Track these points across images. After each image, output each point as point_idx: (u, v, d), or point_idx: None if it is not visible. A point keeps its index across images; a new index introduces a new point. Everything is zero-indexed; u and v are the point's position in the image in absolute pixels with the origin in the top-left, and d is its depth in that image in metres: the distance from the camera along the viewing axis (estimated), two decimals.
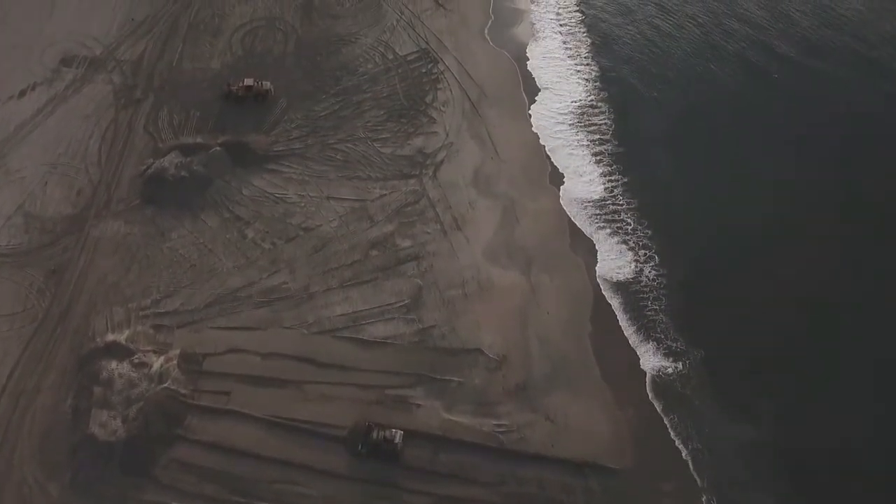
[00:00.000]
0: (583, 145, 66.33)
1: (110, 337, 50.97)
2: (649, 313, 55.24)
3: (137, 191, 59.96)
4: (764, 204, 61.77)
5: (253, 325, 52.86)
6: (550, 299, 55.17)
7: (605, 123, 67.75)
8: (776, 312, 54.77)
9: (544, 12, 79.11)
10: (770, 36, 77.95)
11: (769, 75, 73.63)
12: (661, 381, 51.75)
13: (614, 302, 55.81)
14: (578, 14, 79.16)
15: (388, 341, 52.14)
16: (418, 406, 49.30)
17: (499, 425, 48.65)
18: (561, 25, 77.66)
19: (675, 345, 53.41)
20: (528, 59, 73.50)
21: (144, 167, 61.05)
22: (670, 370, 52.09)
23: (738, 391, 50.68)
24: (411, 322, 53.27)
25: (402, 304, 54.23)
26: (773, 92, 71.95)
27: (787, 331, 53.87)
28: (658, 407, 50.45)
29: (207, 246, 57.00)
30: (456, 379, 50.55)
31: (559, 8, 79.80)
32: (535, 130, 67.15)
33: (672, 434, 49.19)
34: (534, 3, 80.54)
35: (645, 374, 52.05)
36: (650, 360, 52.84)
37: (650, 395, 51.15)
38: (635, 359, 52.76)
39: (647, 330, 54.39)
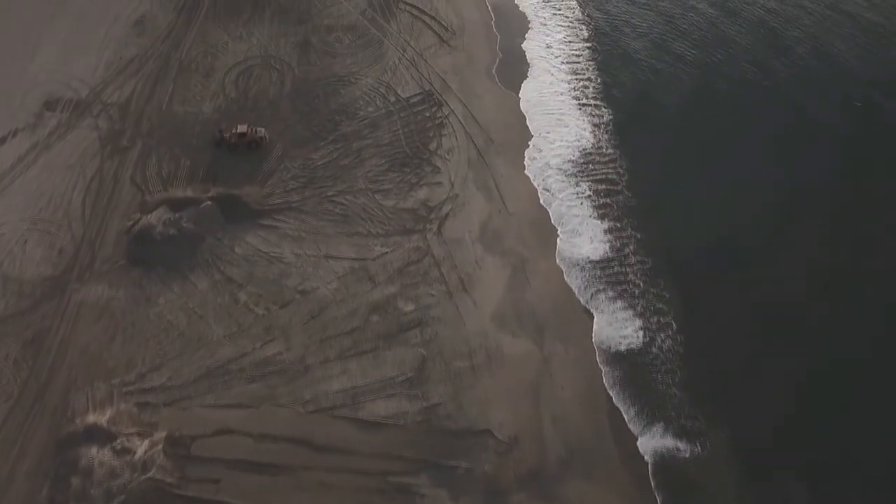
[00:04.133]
0: (586, 197, 62.28)
1: (91, 418, 47.14)
2: (660, 387, 50.85)
3: (123, 250, 56.20)
4: (808, 264, 57.30)
5: (245, 403, 49.12)
6: (565, 372, 51.45)
7: (618, 172, 63.95)
8: (821, 387, 50.79)
9: (554, 52, 75.48)
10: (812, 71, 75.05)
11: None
12: (668, 466, 47.24)
13: (613, 377, 51.41)
14: (591, 53, 75.53)
15: (390, 421, 48.39)
16: (422, 496, 45.46)
17: None
18: (571, 65, 74.05)
19: (690, 424, 49.10)
20: (536, 102, 69.83)
21: (131, 223, 57.43)
22: (686, 454, 47.94)
23: (770, 480, 46.73)
24: (415, 399, 49.55)
25: (404, 377, 50.54)
26: (819, 136, 68.18)
27: (834, 407, 49.83)
28: (660, 499, 45.95)
29: (197, 312, 53.32)
30: (464, 464, 46.76)
31: (570, 47, 76.26)
32: (538, 180, 63.21)
33: None
34: (533, 38, 77.08)
35: (651, 458, 47.59)
36: (652, 442, 48.41)
37: (653, 483, 46.64)
38: (650, 441, 48.83)
39: (653, 408, 49.83)
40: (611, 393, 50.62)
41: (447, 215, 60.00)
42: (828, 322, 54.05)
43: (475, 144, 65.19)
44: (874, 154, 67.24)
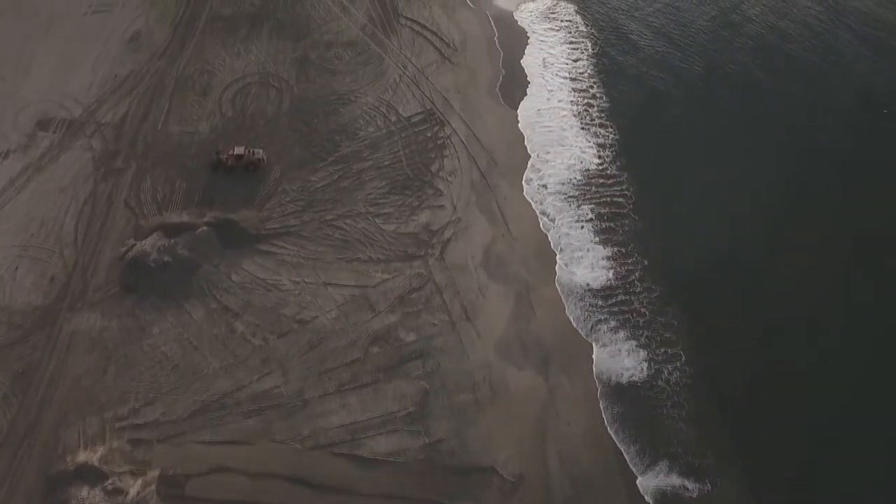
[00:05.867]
0: (588, 220, 60.60)
1: (82, 457, 45.57)
2: (666, 422, 49.20)
3: (116, 277, 54.61)
4: (829, 293, 55.63)
5: (241, 439, 47.58)
6: (571, 406, 49.95)
7: (624, 195, 62.37)
8: (841, 423, 49.01)
9: (555, 69, 73.72)
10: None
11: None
12: None
13: (613, 412, 49.66)
14: (593, 70, 73.88)
15: (391, 459, 46.91)
16: None
17: None
18: (572, 82, 72.42)
19: (698, 461, 47.45)
20: (535, 121, 68.05)
21: (125, 249, 55.80)
22: (693, 494, 46.27)
23: None
24: (416, 435, 48.05)
25: (406, 412, 49.03)
26: (833, 154, 66.56)
27: (856, 445, 47.94)
28: None
29: (192, 342, 51.78)
30: None
31: (571, 64, 74.64)
32: (536, 204, 61.52)
33: None
34: (533, 55, 75.24)
35: (652, 498, 46.02)
36: (655, 481, 46.75)
37: None
38: (652, 480, 47.20)
39: (658, 445, 48.09)
40: (610, 430, 48.94)
41: (449, 240, 58.51)
42: (848, 355, 52.45)
43: (478, 166, 63.72)
44: (888, 168, 65.97)
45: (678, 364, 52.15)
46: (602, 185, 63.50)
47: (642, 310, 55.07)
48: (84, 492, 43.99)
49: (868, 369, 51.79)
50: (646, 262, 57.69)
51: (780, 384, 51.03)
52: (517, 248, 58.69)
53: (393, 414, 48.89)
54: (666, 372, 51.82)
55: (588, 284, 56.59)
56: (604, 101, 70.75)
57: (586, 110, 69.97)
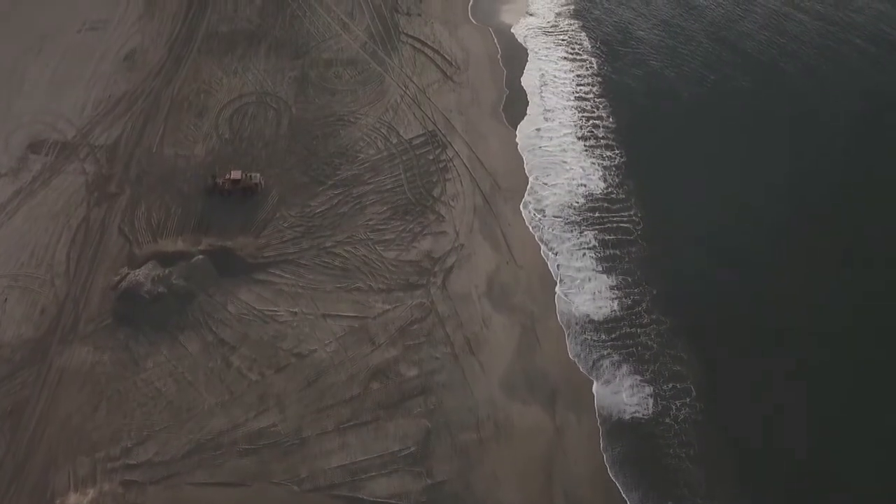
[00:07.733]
0: (590, 248, 58.92)
1: (72, 500, 44.11)
2: (672, 462, 47.56)
3: (109, 308, 53.06)
4: (850, 319, 54.04)
5: (237, 481, 45.94)
6: (578, 444, 48.34)
7: (633, 220, 60.62)
8: (862, 463, 47.27)
9: (556, 88, 72.21)
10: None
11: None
12: None
13: (613, 453, 47.87)
14: (597, 89, 72.22)
15: (392, 501, 45.26)
16: None
17: None
18: (578, 101, 70.79)
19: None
20: (535, 143, 66.35)
21: (118, 279, 54.24)
22: None
23: None
24: (418, 476, 46.41)
25: (407, 452, 47.40)
26: (846, 170, 65.34)
27: (876, 484, 46.50)
28: None
29: (187, 377, 50.14)
30: None
31: (577, 81, 73.07)
32: (535, 230, 59.75)
33: None
34: (534, 73, 73.47)
35: None
36: None
37: None
38: None
39: (664, 486, 46.37)
40: (610, 473, 47.12)
41: (452, 268, 56.92)
42: (867, 391, 50.80)
43: (481, 190, 62.11)
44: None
45: (687, 400, 50.53)
46: (607, 209, 61.87)
47: (650, 343, 53.37)
48: None
49: (890, 406, 50.13)
50: (654, 292, 56.04)
51: (797, 421, 49.34)
52: (522, 276, 57.09)
53: (394, 454, 47.25)
54: (674, 408, 50.19)
55: (588, 316, 54.81)
56: (609, 121, 69.26)
57: (591, 132, 68.29)
